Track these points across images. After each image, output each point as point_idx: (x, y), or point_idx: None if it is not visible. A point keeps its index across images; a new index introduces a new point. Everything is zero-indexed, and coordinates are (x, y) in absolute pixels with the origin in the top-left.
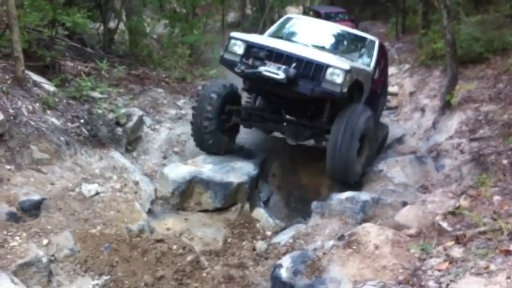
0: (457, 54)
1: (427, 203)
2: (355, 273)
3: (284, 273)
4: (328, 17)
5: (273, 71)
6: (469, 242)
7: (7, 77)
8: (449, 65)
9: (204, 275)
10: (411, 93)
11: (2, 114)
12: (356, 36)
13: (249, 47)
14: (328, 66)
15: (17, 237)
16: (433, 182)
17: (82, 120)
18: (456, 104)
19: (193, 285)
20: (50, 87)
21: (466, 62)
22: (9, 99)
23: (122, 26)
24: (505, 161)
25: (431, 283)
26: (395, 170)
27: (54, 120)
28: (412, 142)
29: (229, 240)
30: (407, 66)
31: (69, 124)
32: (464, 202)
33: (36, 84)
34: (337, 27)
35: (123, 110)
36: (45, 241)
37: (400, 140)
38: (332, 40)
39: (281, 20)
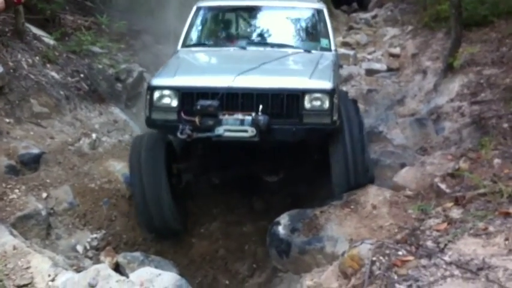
0: (462, 16)
1: (426, 165)
2: (352, 232)
3: (282, 231)
4: None
5: (237, 128)
6: (468, 204)
7: (7, 29)
8: (453, 28)
9: (202, 231)
10: (413, 55)
11: (1, 67)
12: (299, 9)
13: (187, 94)
14: (304, 91)
15: (16, 190)
16: (433, 145)
17: (82, 75)
18: (458, 67)
19: (191, 241)
20: (49, 40)
21: (470, 24)
22: (9, 52)
23: None
24: (505, 125)
25: (429, 243)
26: (395, 131)
27: (54, 74)
28: (413, 104)
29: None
30: (410, 27)
31: (69, 78)
32: (463, 164)
33: (36, 37)
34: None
35: (123, 66)
36: (44, 194)
37: (400, 102)
38: (274, 25)
39: (193, 13)
